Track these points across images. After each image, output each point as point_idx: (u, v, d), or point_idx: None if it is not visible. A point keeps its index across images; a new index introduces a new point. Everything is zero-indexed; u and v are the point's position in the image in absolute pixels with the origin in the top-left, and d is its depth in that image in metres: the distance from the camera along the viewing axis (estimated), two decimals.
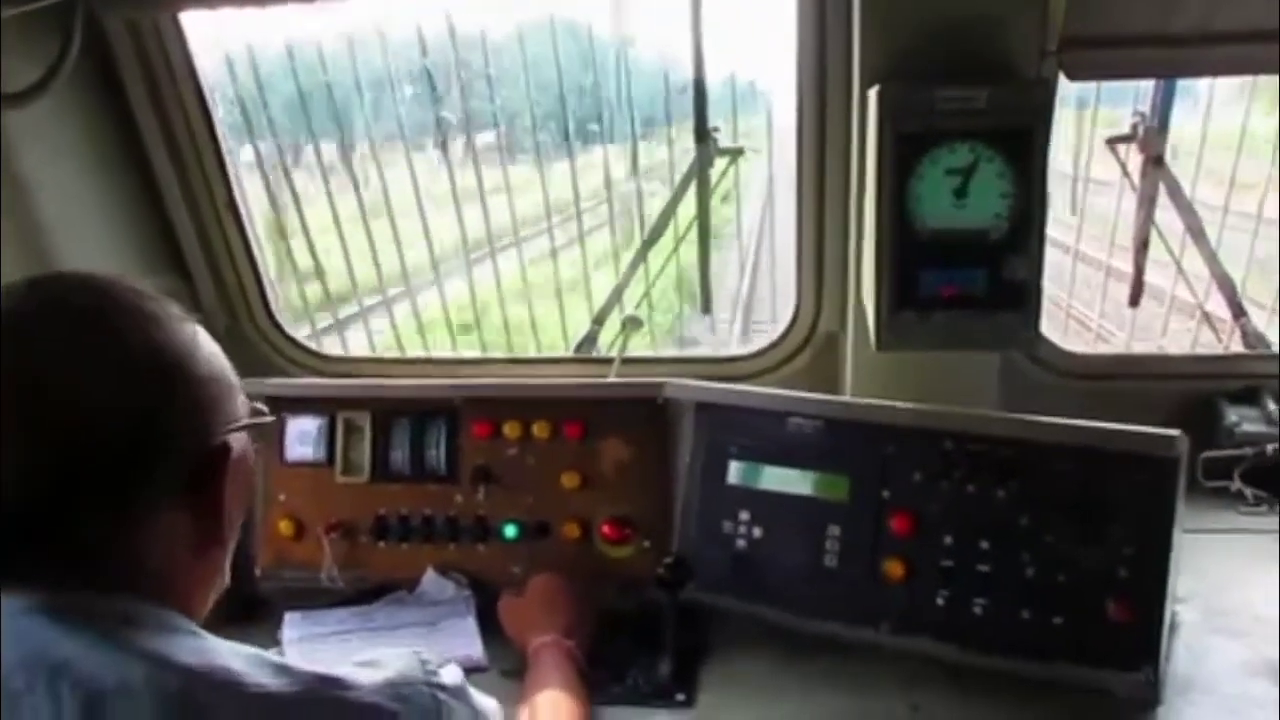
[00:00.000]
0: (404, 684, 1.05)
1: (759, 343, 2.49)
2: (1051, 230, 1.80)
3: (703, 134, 2.49)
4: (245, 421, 1.13)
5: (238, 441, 1.11)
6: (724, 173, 2.56)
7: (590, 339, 2.65)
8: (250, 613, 2.00)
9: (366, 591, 2.07)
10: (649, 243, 2.65)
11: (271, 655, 1.02)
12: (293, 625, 1.96)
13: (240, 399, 1.13)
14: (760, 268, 5.62)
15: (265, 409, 1.19)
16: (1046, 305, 1.81)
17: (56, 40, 1.96)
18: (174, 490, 1.04)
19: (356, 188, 2.99)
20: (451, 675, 1.13)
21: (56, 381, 0.98)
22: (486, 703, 1.20)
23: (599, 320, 2.66)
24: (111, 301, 1.05)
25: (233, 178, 2.43)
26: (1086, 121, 2.88)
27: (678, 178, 2.64)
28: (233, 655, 0.99)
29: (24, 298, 1.04)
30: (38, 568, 0.99)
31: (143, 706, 0.92)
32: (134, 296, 1.07)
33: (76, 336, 1.01)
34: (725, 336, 4.53)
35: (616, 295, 2.68)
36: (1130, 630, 1.65)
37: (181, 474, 1.04)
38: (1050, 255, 1.81)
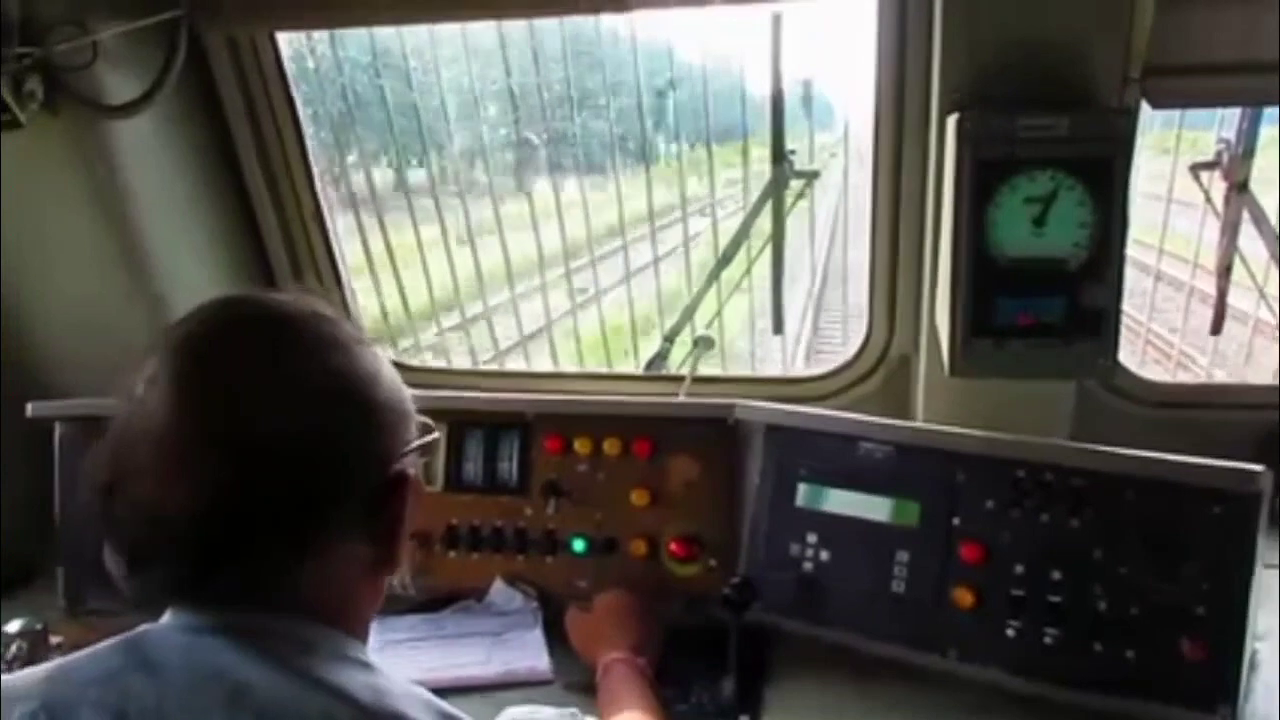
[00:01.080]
0: None
1: (829, 364, 2.48)
2: (1131, 250, 1.78)
3: (779, 155, 2.50)
4: (417, 443, 1.14)
5: (413, 466, 1.12)
6: (800, 195, 2.57)
7: (661, 356, 2.67)
8: None
9: (437, 599, 2.11)
10: (722, 262, 2.66)
11: (440, 702, 1.04)
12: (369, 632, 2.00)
13: (414, 422, 1.14)
14: (828, 290, 5.59)
15: (432, 424, 1.19)
16: (1124, 329, 1.79)
17: (160, 55, 2.03)
18: (354, 516, 1.05)
19: (438, 208, 3.05)
20: None
21: (244, 402, 1.00)
22: None
23: (670, 338, 2.67)
24: (301, 325, 1.07)
25: (319, 189, 2.50)
26: (1170, 142, 2.83)
27: (752, 197, 2.65)
28: (405, 697, 1.01)
29: (215, 317, 1.06)
30: (215, 587, 1.01)
31: None
32: (322, 322, 1.08)
33: (265, 359, 1.02)
34: (791, 357, 4.53)
35: (688, 314, 2.70)
36: (1206, 668, 1.62)
37: (362, 500, 1.06)
38: (1129, 275, 1.79)
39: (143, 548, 1.01)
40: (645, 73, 2.92)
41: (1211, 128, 2.55)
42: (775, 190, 2.53)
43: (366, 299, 2.81)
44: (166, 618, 1.05)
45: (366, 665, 1.06)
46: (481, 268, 3.08)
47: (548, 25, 2.77)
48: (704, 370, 2.55)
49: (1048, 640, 1.73)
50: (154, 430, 0.99)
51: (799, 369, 2.62)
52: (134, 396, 1.02)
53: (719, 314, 2.70)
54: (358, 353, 1.08)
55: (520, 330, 3.16)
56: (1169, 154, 2.91)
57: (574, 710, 1.11)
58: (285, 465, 0.99)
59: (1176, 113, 2.75)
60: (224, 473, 0.98)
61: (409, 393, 1.14)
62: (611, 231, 3.33)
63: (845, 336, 4.03)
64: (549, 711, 1.09)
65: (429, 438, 1.17)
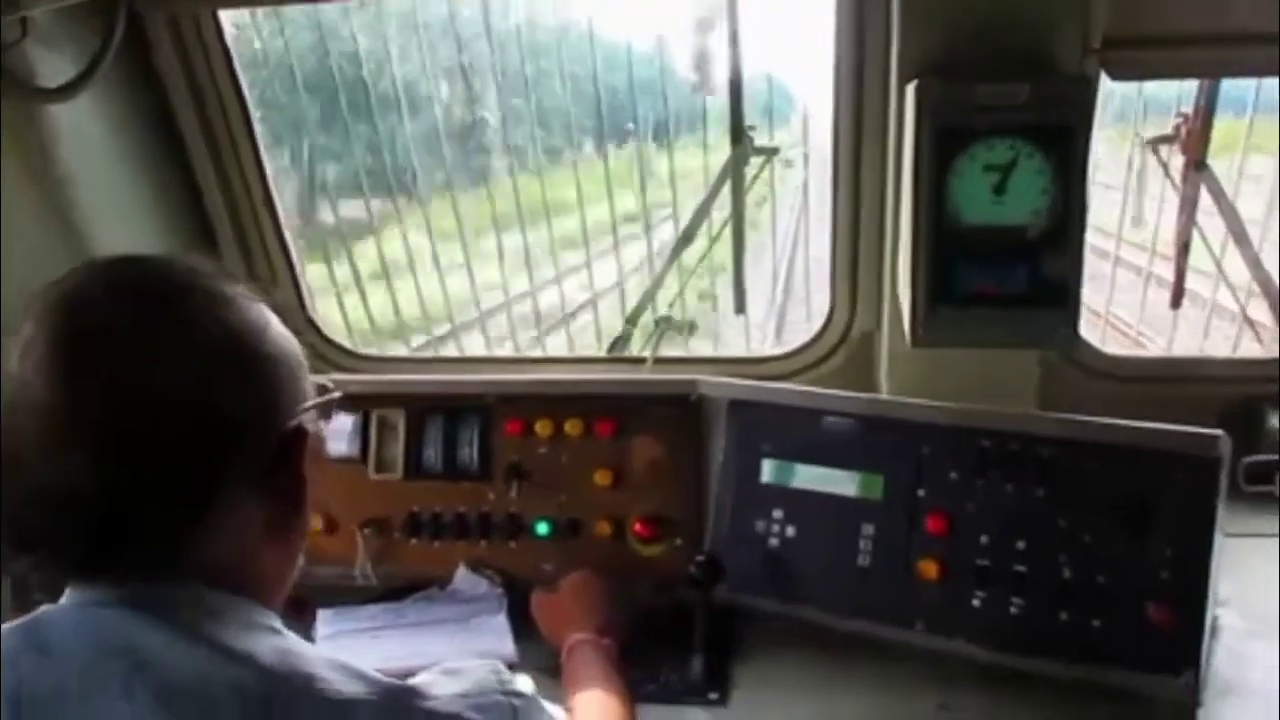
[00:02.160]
0: (481, 694, 1.04)
1: (793, 343, 2.47)
2: (1092, 237, 1.78)
3: (738, 134, 2.48)
4: (317, 400, 1.11)
5: (310, 422, 1.09)
6: (759, 172, 2.55)
7: (624, 339, 2.64)
8: (283, 609, 2.01)
9: (399, 588, 2.08)
10: (683, 242, 2.64)
11: (353, 662, 1.00)
12: (326, 622, 1.97)
13: (308, 379, 1.11)
14: (795, 268, 5.59)
15: (330, 385, 1.16)
16: (1085, 313, 1.79)
17: (98, 35, 1.98)
18: (250, 475, 1.02)
19: (393, 192, 3.00)
20: (526, 684, 1.11)
21: (125, 363, 0.96)
22: (556, 711, 1.19)
23: (632, 320, 2.65)
24: (178, 282, 1.02)
25: (269, 174, 2.45)
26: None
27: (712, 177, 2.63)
28: (314, 659, 0.98)
29: (91, 278, 1.02)
30: (113, 561, 0.98)
31: (220, 703, 0.92)
32: (201, 277, 1.04)
33: (143, 320, 0.98)
34: (760, 338, 4.52)
35: (650, 295, 2.68)
36: (1171, 633, 1.63)
37: (258, 458, 1.02)
38: (1090, 261, 1.79)
39: (32, 527, 0.97)
40: (603, 61, 2.90)
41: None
42: (735, 169, 2.51)
43: (319, 283, 2.76)
44: (65, 597, 1.01)
45: (276, 630, 1.03)
46: (439, 254, 3.04)
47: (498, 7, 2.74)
48: (667, 351, 2.52)
49: (1014, 610, 1.73)
50: (34, 400, 0.94)
51: (769, 348, 2.61)
52: (12, 367, 0.97)
53: (681, 295, 2.68)
54: (244, 306, 1.04)
55: (479, 309, 3.12)
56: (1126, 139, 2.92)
57: (495, 662, 1.09)
58: (172, 426, 0.96)
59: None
60: (108, 439, 0.94)
61: (300, 348, 1.11)
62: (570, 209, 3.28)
63: (809, 314, 4.03)
64: (474, 663, 1.07)
65: (327, 396, 1.14)
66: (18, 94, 1.93)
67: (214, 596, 1.00)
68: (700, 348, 3.11)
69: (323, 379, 1.16)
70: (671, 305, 2.65)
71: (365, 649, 1.89)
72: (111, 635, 0.95)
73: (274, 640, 1.00)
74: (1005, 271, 1.69)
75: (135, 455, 0.95)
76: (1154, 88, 2.68)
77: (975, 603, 1.75)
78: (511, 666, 1.79)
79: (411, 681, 1.02)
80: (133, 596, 0.97)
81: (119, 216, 2.26)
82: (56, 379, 0.94)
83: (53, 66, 1.97)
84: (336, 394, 1.17)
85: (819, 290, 2.50)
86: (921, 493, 1.81)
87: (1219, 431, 1.65)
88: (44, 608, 1.01)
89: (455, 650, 1.87)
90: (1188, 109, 2.44)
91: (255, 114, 2.38)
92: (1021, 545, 1.74)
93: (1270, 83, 2.56)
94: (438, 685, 1.02)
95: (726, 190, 2.57)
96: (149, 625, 0.95)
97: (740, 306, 2.72)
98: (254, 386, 1.02)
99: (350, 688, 0.97)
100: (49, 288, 1.00)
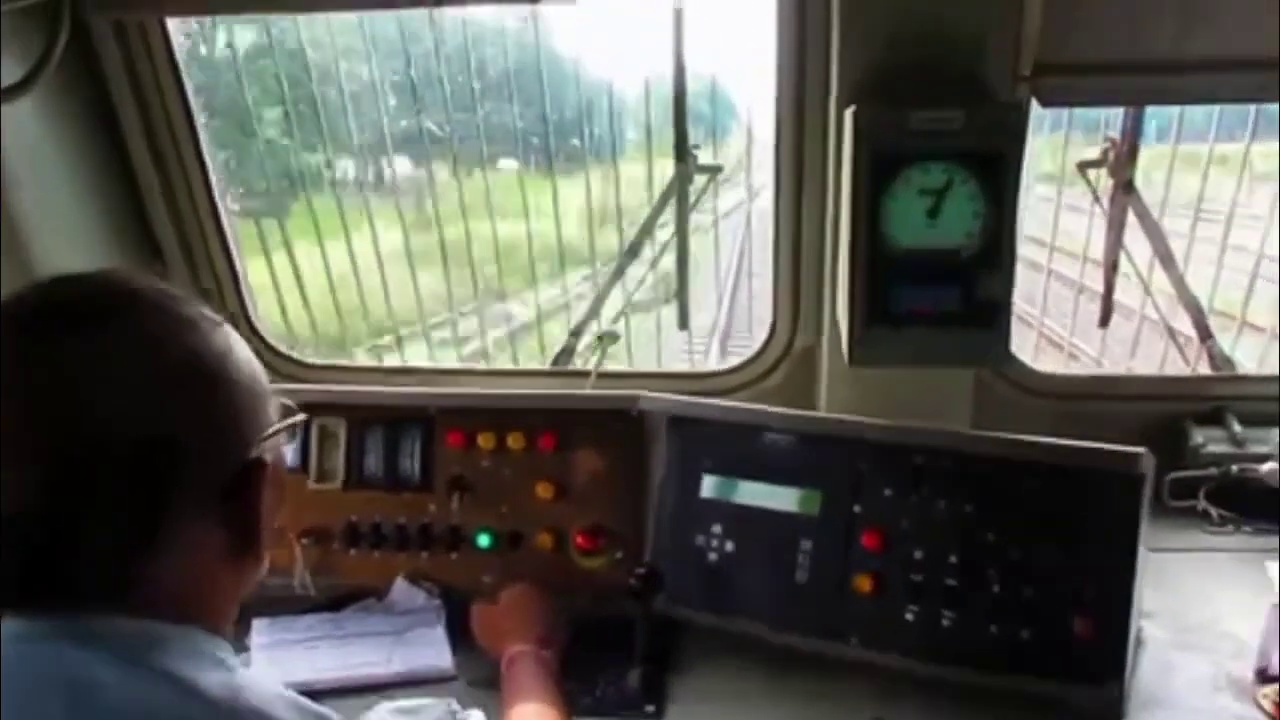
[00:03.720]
0: None
1: (736, 359, 2.50)
2: (1024, 249, 1.83)
3: (682, 153, 2.50)
4: (277, 427, 1.07)
5: (272, 451, 1.06)
6: (703, 190, 2.58)
7: (567, 352, 2.65)
8: None
9: (337, 599, 2.07)
10: (627, 257, 2.66)
11: (307, 702, 0.98)
12: (261, 631, 1.95)
13: (273, 403, 1.08)
14: (739, 287, 5.63)
15: (295, 406, 1.13)
16: (1018, 322, 1.84)
17: (42, 38, 1.96)
18: (203, 504, 0.99)
19: (339, 203, 2.99)
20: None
21: (74, 385, 0.93)
22: None
23: (576, 334, 2.66)
24: (141, 302, 0.99)
25: (214, 181, 2.43)
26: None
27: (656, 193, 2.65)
28: (265, 695, 0.96)
29: (43, 295, 0.98)
30: (55, 590, 0.94)
31: None
32: (164, 298, 1.01)
33: (98, 337, 0.95)
34: (703, 356, 4.54)
35: (594, 310, 2.69)
36: (1096, 645, 1.67)
37: (210, 487, 0.99)
38: (1023, 274, 1.84)
39: None
40: (549, 78, 2.90)
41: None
42: (679, 186, 2.53)
43: (263, 295, 2.74)
44: (3, 629, 0.96)
45: (223, 663, 1.00)
46: (384, 262, 3.03)
47: (450, 22, 2.74)
48: (610, 366, 2.54)
49: (945, 623, 1.77)
50: None
51: (712, 364, 2.63)
52: None
53: (624, 310, 2.70)
54: (204, 330, 1.02)
55: (423, 321, 3.11)
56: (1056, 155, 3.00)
57: (450, 700, 1.07)
58: (122, 453, 0.93)
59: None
60: (54, 464, 0.91)
61: (264, 373, 1.08)
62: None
63: (750, 331, 4.06)
64: (428, 701, 1.06)
65: (289, 420, 1.11)
66: None
67: (160, 626, 0.97)
68: (644, 362, 3.13)
69: (283, 396, 1.13)
70: (615, 320, 2.67)
71: (300, 660, 1.88)
72: (51, 668, 0.92)
73: (222, 675, 0.97)
74: (939, 292, 1.73)
75: (78, 481, 0.92)
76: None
77: (908, 616, 1.78)
78: (449, 679, 1.82)
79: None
80: (74, 627, 0.94)
81: (61, 221, 2.23)
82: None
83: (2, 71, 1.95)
84: (300, 417, 1.15)
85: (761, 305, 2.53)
86: (857, 509, 1.84)
87: (1142, 450, 1.70)
88: None
89: (392, 662, 1.87)
90: (1113, 133, 2.51)
91: (200, 120, 2.36)
92: (953, 560, 1.77)
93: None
94: None
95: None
96: (92, 654, 0.92)
97: (684, 322, 2.74)
98: (209, 414, 0.99)
99: None
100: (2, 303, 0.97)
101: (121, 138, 2.33)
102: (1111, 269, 2.58)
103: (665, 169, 2.57)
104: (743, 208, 4.50)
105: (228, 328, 1.06)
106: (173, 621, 0.98)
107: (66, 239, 2.24)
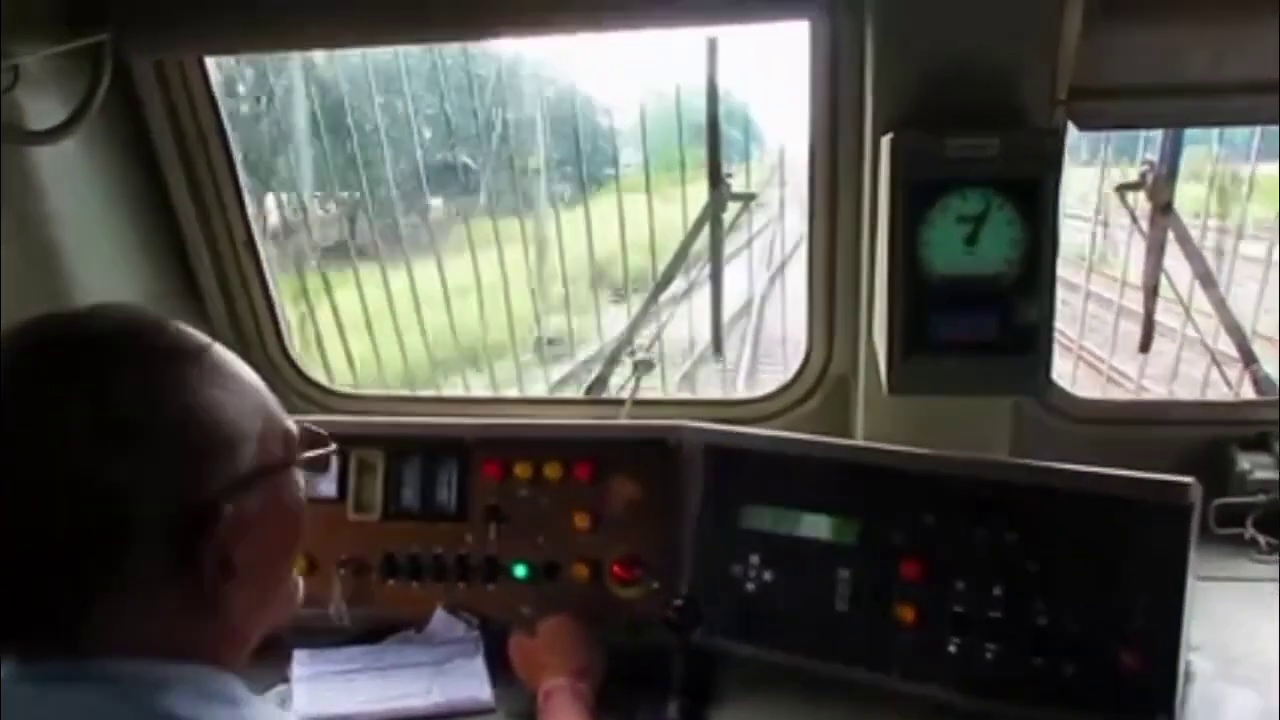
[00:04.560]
0: None
1: (770, 386, 2.49)
2: (1063, 271, 1.81)
3: (716, 180, 2.51)
4: (247, 472, 1.01)
5: (236, 497, 0.99)
6: (736, 218, 2.58)
7: (602, 380, 2.66)
8: (258, 649, 2.00)
9: (374, 630, 2.07)
10: (661, 285, 2.67)
11: None
12: (301, 663, 1.96)
13: (248, 446, 1.02)
14: (767, 312, 5.63)
15: (325, 434, 1.12)
16: (1056, 347, 1.82)
17: (85, 80, 1.99)
18: (156, 551, 0.94)
19: (374, 237, 3.02)
20: None
21: (18, 440, 0.91)
22: None
23: (611, 362, 2.66)
24: (95, 346, 0.97)
25: (251, 216, 2.46)
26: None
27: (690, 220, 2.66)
28: None
29: (6, 344, 0.97)
30: (50, 636, 0.94)
31: None
32: (126, 339, 0.99)
33: (35, 388, 0.93)
34: (733, 380, 4.54)
35: (628, 337, 2.70)
36: (1144, 679, 1.64)
37: (160, 537, 0.94)
38: (1062, 296, 1.82)
39: None
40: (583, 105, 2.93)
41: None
42: (713, 213, 2.54)
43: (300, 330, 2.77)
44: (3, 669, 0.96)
45: (232, 699, 0.98)
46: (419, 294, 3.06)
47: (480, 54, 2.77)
48: (644, 394, 2.54)
49: (989, 656, 1.74)
50: None
51: (742, 392, 2.62)
52: None
53: (658, 337, 2.70)
54: (162, 371, 0.97)
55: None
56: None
57: None
58: (60, 503, 0.91)
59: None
60: (15, 521, 0.90)
61: (255, 412, 1.03)
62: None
63: (785, 358, 4.05)
64: None
65: (269, 467, 1.04)
66: (9, 136, 1.94)
67: (161, 666, 0.95)
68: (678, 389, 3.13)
69: (307, 421, 1.12)
70: (649, 348, 2.67)
71: (340, 692, 1.89)
72: (52, 714, 0.92)
73: (229, 712, 0.96)
74: (978, 320, 1.72)
75: (20, 531, 0.91)
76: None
77: (951, 648, 1.76)
78: (488, 711, 1.82)
79: None
80: (73, 669, 0.93)
81: (102, 258, 2.26)
82: None
83: (42, 110, 1.99)
84: (327, 449, 1.15)
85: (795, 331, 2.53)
86: (897, 538, 1.82)
87: (1190, 479, 1.67)
88: None
89: (432, 694, 1.87)
90: (1152, 156, 2.49)
91: (238, 157, 2.39)
92: (996, 591, 1.75)
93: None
94: None
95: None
96: (102, 696, 0.92)
97: (718, 349, 2.74)
98: (152, 461, 0.94)
99: None
100: None
101: (161, 175, 2.36)
102: (1151, 293, 2.55)
103: (692, 195, 2.57)
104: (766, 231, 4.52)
105: (198, 366, 1.00)
106: (171, 659, 0.96)
107: (107, 275, 2.27)
